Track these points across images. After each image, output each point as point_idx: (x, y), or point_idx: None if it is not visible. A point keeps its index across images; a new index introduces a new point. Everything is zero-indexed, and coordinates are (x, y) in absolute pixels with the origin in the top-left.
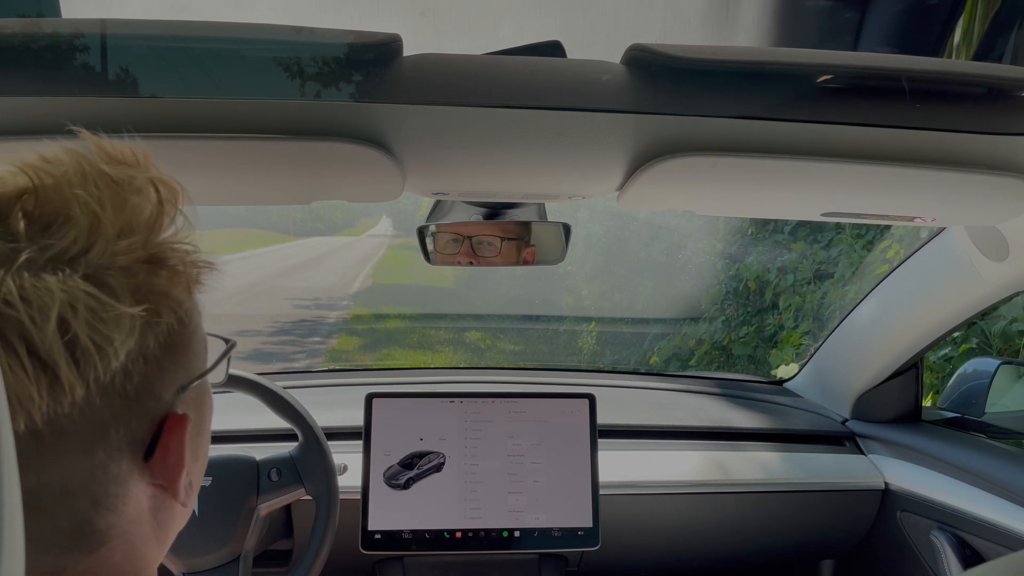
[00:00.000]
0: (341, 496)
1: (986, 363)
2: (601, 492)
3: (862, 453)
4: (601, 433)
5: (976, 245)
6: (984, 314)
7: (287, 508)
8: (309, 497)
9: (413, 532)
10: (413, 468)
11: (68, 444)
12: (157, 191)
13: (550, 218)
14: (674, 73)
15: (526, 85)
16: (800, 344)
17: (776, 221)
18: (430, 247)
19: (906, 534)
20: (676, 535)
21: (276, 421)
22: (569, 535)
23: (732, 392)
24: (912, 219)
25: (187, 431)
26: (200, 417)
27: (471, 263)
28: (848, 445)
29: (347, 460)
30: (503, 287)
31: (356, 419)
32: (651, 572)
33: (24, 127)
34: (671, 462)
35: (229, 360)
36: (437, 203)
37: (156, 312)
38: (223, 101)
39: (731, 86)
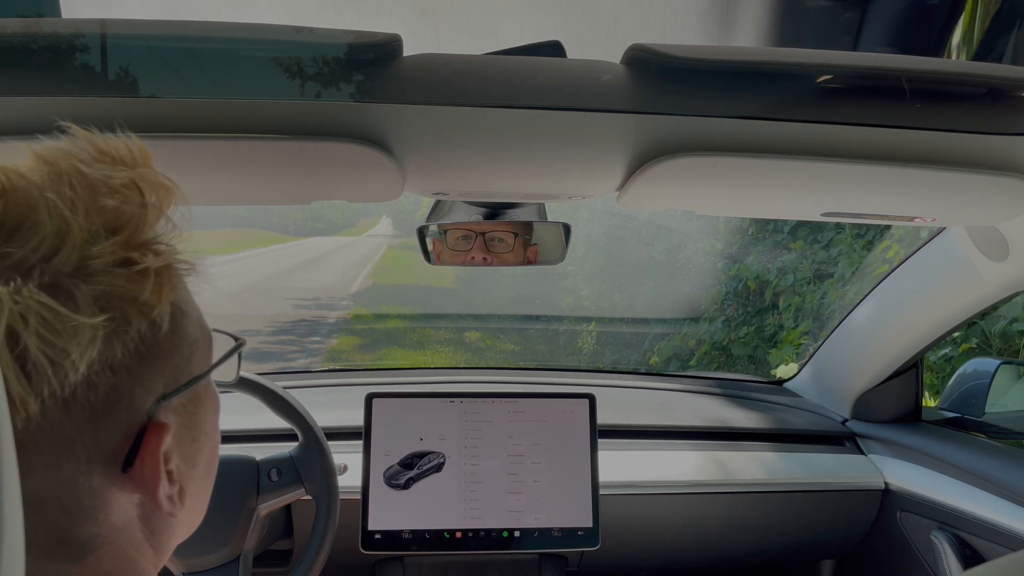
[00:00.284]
0: (341, 496)
1: (986, 363)
2: (601, 492)
3: (862, 453)
4: (601, 433)
5: (976, 245)
6: (984, 314)
7: (287, 508)
8: (309, 497)
9: (413, 532)
10: (413, 468)
11: (31, 459)
12: (141, 192)
13: (550, 218)
14: (674, 73)
15: (526, 85)
16: (800, 344)
17: (776, 221)
18: (433, 247)
19: (906, 534)
20: (676, 535)
21: (276, 421)
22: (569, 535)
23: (732, 392)
24: (912, 219)
25: (164, 441)
26: (193, 422)
27: (484, 259)
28: (848, 445)
29: (347, 460)
30: (503, 287)
31: (356, 419)
32: (651, 572)
33: (24, 127)
34: (671, 462)
35: (240, 358)
36: (437, 203)
37: (123, 319)
38: (223, 101)
39: (731, 86)
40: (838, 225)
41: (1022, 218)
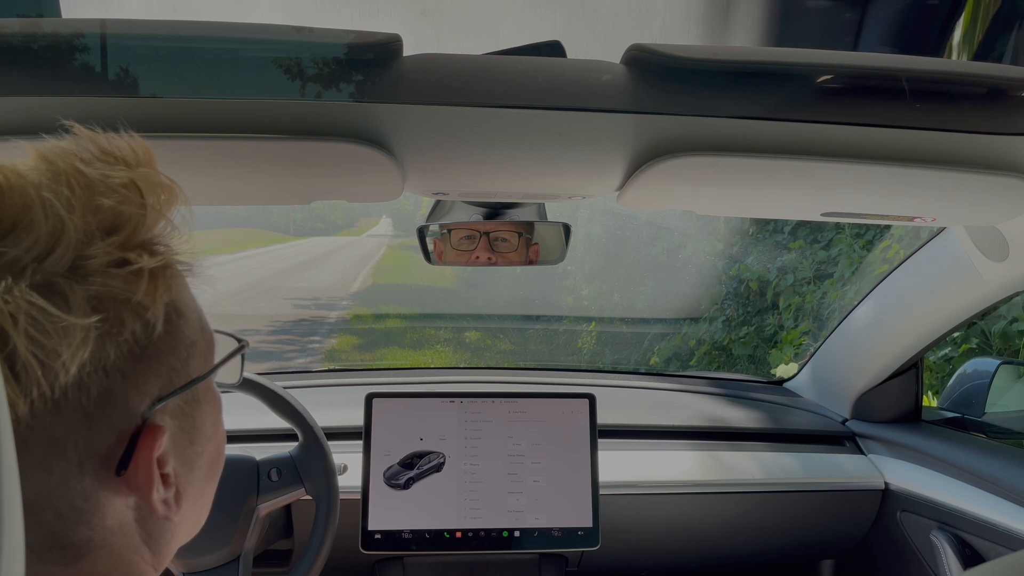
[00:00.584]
0: (341, 496)
1: (986, 363)
2: (601, 492)
3: (862, 453)
4: (601, 433)
5: (976, 245)
6: (984, 314)
7: (287, 508)
8: (309, 497)
9: (413, 532)
10: (413, 468)
11: (21, 460)
12: (140, 192)
13: (550, 218)
14: (674, 73)
15: (526, 85)
16: (800, 344)
17: (776, 221)
18: (434, 247)
19: (906, 534)
20: (676, 535)
21: (276, 421)
22: (569, 535)
23: (732, 392)
24: (912, 219)
25: (158, 445)
26: (192, 425)
27: (489, 259)
28: (848, 445)
29: (347, 460)
30: (503, 287)
31: (356, 419)
32: (651, 572)
33: (24, 127)
34: (671, 462)
35: (243, 360)
36: (437, 203)
37: (117, 321)
38: (223, 101)
39: (731, 86)
40: (838, 225)
41: (1022, 218)
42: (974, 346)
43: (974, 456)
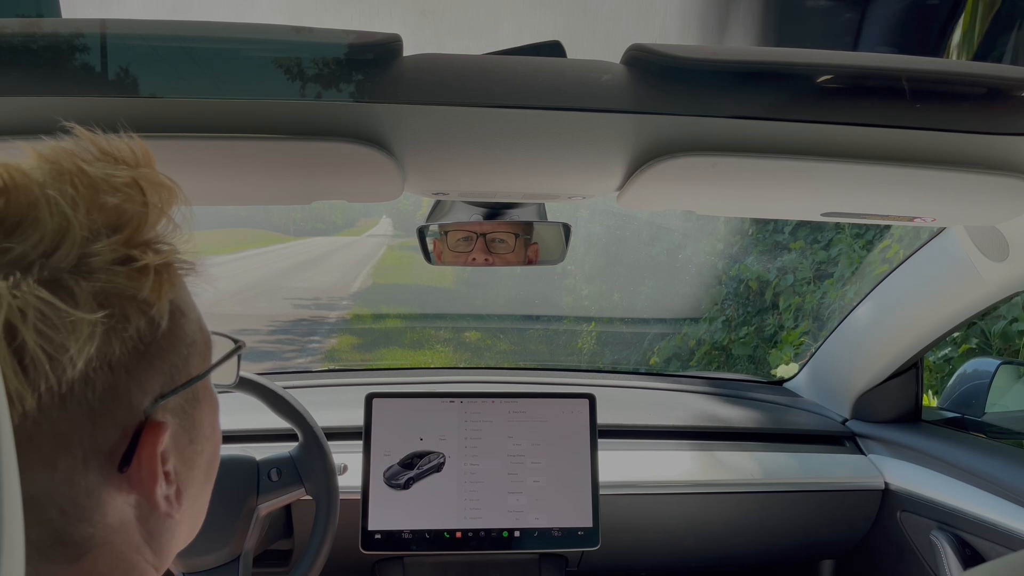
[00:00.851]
0: (341, 496)
1: (986, 363)
2: (601, 492)
3: (862, 453)
4: (601, 433)
5: (976, 245)
6: (984, 314)
7: (287, 508)
8: (309, 497)
9: (413, 532)
10: (413, 468)
11: (26, 456)
12: (143, 191)
13: (550, 218)
14: (674, 73)
15: (526, 85)
16: (800, 344)
17: (776, 221)
18: (433, 247)
19: (906, 534)
20: (676, 535)
21: (276, 421)
22: (569, 535)
23: (732, 392)
24: (912, 219)
25: (161, 440)
26: (192, 424)
27: (486, 260)
28: (848, 445)
29: (347, 460)
30: (503, 287)
31: (356, 419)
32: (651, 572)
33: (25, 127)
34: (671, 462)
35: (240, 361)
36: (437, 203)
37: (122, 317)
38: (223, 101)
39: (731, 86)
40: (838, 225)
41: (1022, 218)
42: (974, 346)
43: (974, 456)
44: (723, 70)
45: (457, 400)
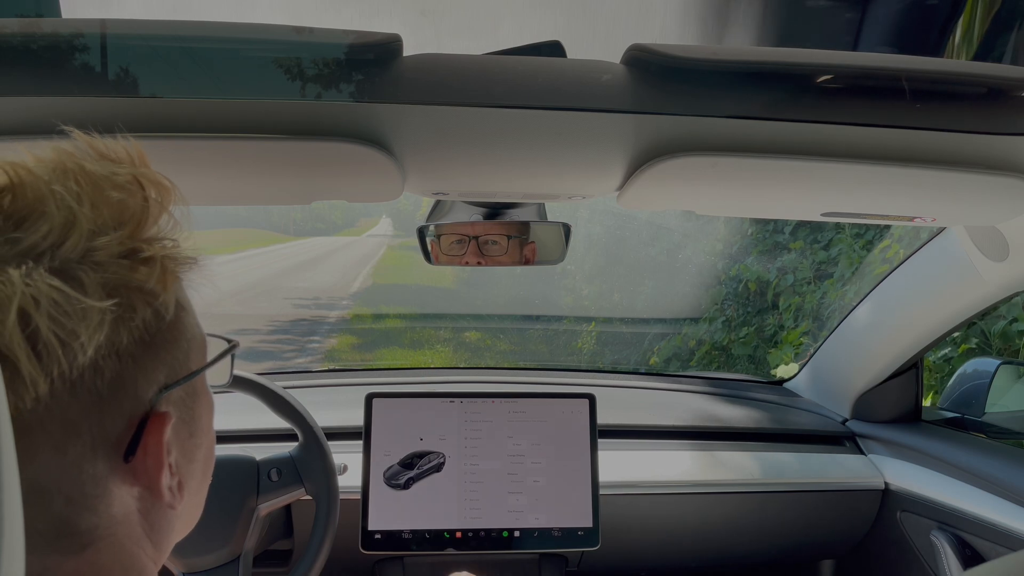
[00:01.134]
0: (341, 496)
1: (986, 363)
2: (601, 492)
3: (862, 453)
4: (601, 433)
5: (976, 245)
6: (984, 314)
7: (287, 508)
8: (309, 497)
9: (413, 532)
10: (413, 468)
11: (37, 442)
12: (143, 188)
13: (550, 218)
14: (674, 73)
15: (526, 85)
16: (800, 344)
17: (776, 221)
18: (431, 248)
19: (906, 534)
20: (676, 535)
21: (276, 421)
22: (569, 535)
23: (732, 392)
24: (912, 219)
25: (166, 430)
26: (191, 417)
27: (479, 263)
28: (848, 445)
29: (347, 460)
30: (503, 287)
31: (356, 419)
32: (651, 572)
33: (24, 127)
34: (671, 462)
35: (233, 360)
36: (437, 203)
37: (129, 307)
38: (223, 101)
39: (731, 86)
40: (838, 225)
41: (1022, 218)
42: (974, 346)
43: (974, 456)
44: (723, 70)
45: (457, 400)
